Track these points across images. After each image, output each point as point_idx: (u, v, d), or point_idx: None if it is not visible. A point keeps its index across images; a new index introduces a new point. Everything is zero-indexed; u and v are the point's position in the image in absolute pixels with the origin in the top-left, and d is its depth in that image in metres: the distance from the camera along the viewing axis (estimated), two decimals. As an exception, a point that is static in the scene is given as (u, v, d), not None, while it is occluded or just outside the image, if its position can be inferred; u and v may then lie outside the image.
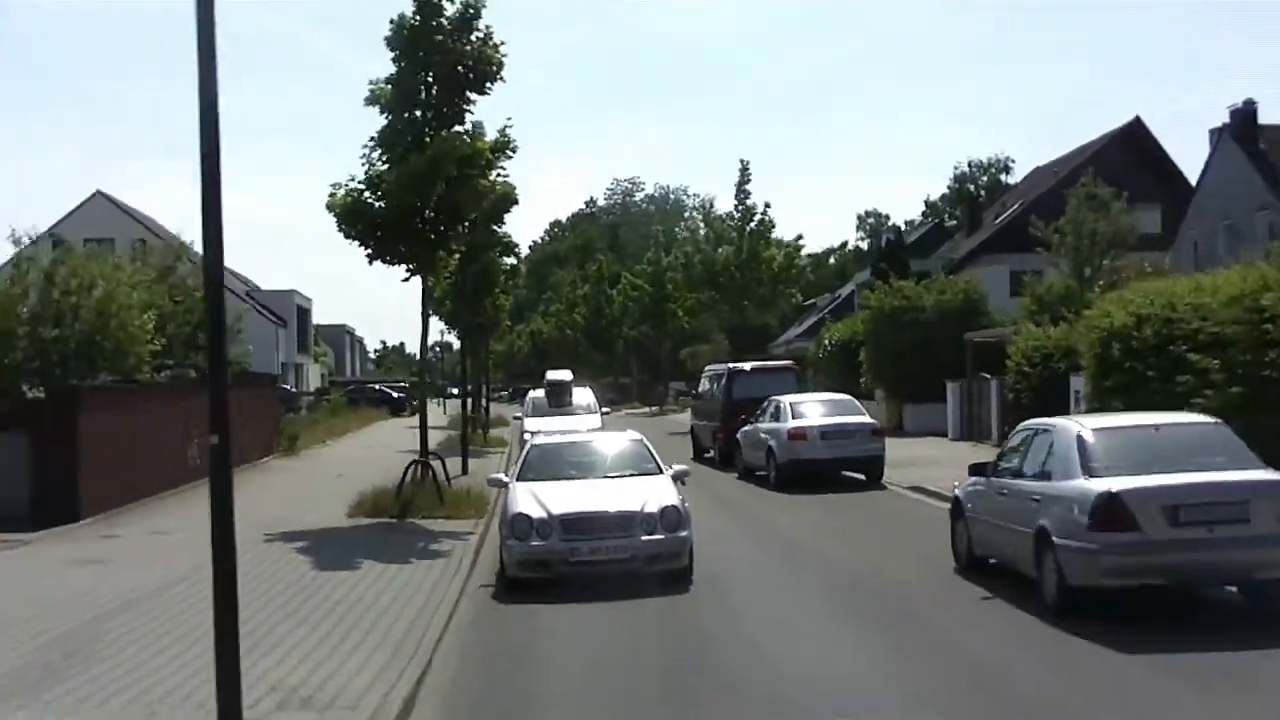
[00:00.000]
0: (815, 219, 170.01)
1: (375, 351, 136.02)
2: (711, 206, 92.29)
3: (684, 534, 13.84)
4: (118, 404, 20.97)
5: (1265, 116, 40.83)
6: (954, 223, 73.77)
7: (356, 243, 20.05)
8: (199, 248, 31.29)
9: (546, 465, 15.61)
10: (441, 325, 45.78)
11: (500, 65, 20.09)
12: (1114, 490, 10.22)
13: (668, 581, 13.16)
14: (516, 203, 27.33)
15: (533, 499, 14.14)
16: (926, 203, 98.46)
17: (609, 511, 13.87)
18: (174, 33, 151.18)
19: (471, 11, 19.98)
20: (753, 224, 45.74)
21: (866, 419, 23.71)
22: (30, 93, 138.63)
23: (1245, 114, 40.64)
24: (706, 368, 34.38)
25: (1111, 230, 29.11)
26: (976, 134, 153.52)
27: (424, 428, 20.90)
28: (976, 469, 13.23)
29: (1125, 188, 49.76)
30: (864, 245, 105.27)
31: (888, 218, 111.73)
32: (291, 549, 16.08)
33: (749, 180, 46.25)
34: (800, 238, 48.03)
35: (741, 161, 47.52)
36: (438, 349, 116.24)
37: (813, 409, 24.01)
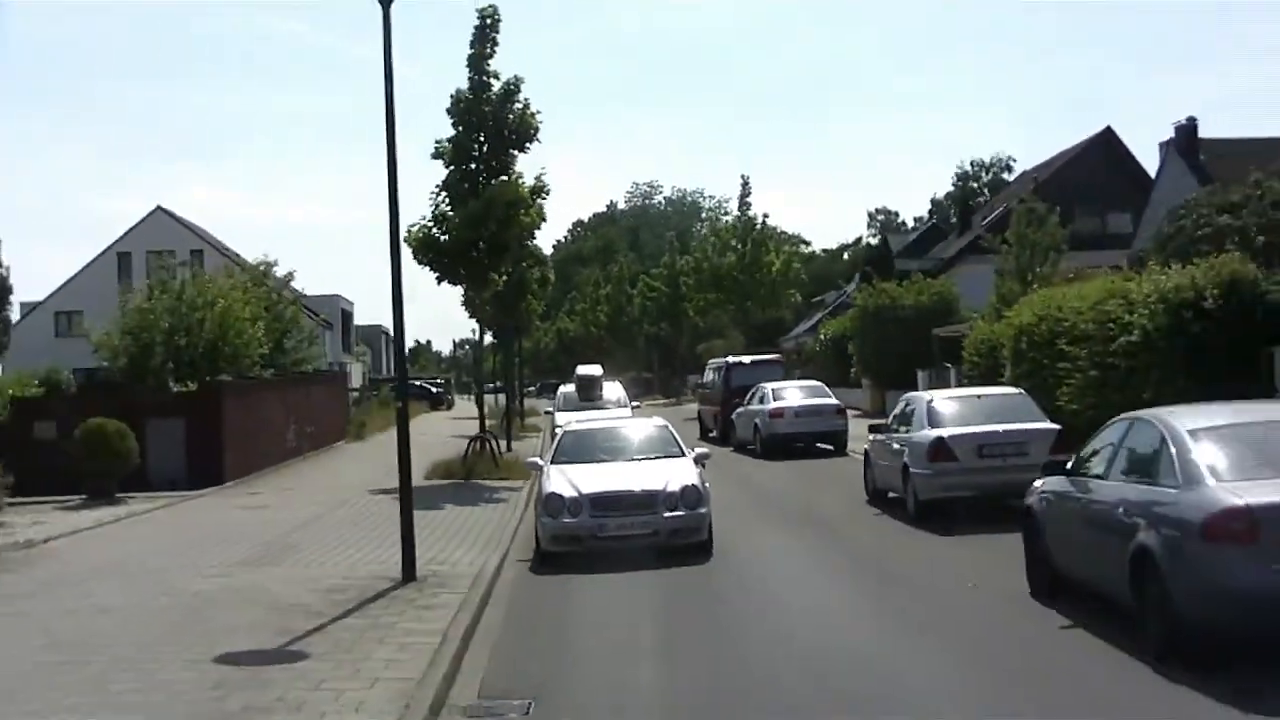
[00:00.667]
0: (830, 214, 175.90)
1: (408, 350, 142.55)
2: (725, 210, 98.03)
3: (703, 510, 15.05)
4: (244, 396, 27.18)
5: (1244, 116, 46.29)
6: (955, 221, 79.27)
7: (428, 268, 26.11)
8: (278, 268, 37.10)
9: (578, 449, 17.19)
10: (474, 326, 52.08)
11: (537, 129, 26.10)
12: (942, 435, 16.15)
13: (689, 551, 14.80)
14: (545, 220, 33.39)
15: (565, 480, 15.55)
16: (933, 201, 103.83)
17: (634, 490, 15.16)
18: (172, 33, 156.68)
19: (512, 88, 25.99)
20: (754, 233, 51.78)
21: (832, 400, 29.61)
22: (27, 94, 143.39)
23: (1188, 129, 46.18)
24: (709, 361, 40.42)
25: (1048, 240, 34.82)
26: (1002, 130, 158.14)
27: (482, 411, 26.98)
28: (875, 429, 19.18)
29: (1098, 192, 55.49)
30: (874, 241, 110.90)
31: (897, 214, 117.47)
32: (392, 498, 21.94)
33: (750, 193, 52.27)
34: (795, 244, 53.95)
35: (743, 177, 53.52)
36: (467, 347, 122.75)
37: (790, 393, 29.93)
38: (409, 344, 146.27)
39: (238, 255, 71.19)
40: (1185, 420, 9.60)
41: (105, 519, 19.76)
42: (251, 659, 9.78)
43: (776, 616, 11.59)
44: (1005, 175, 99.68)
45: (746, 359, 36.56)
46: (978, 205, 72.62)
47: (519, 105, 25.99)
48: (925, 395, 17.64)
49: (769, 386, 30.20)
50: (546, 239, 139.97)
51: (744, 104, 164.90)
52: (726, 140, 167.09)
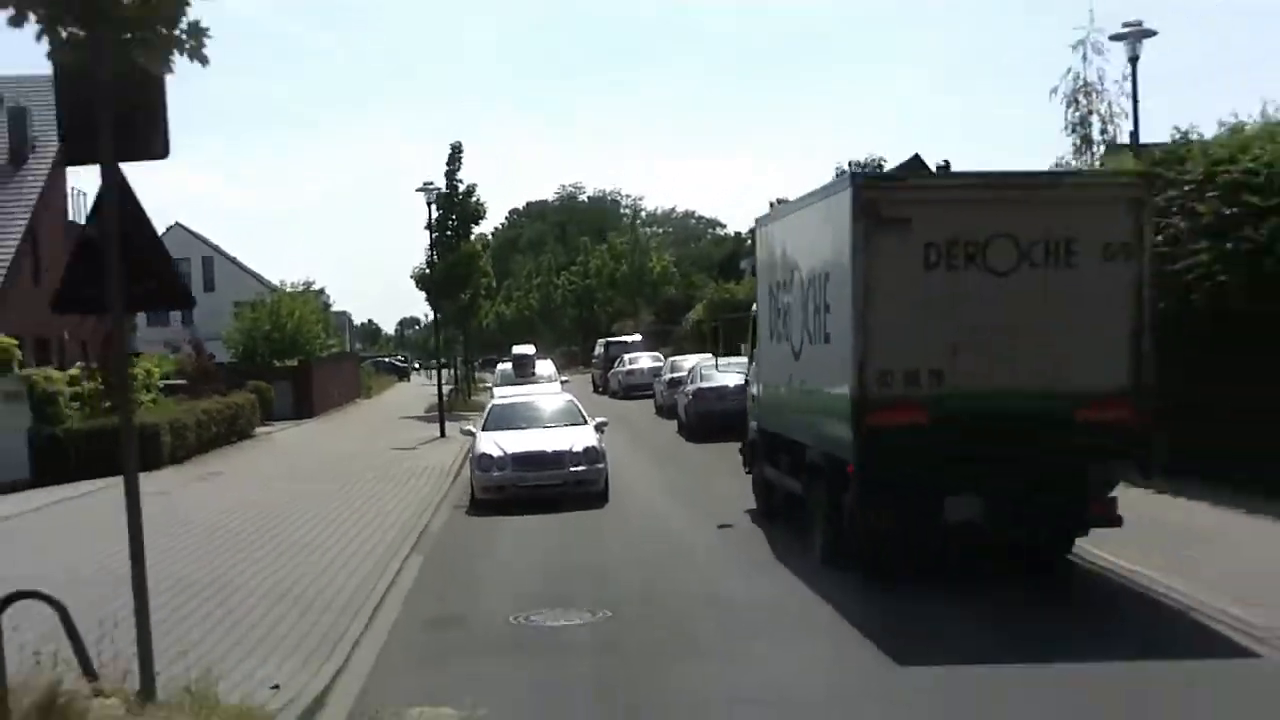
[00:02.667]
0: (751, 196, 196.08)
1: (360, 326, 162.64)
2: (639, 208, 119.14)
3: (600, 466, 19.54)
4: (319, 368, 47.95)
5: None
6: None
7: (424, 293, 46.74)
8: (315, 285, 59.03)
9: (504, 418, 22.19)
10: (426, 310, 73.16)
11: (485, 212, 47.02)
12: (674, 376, 37.40)
13: (589, 499, 19.41)
14: (490, 254, 54.25)
15: (493, 443, 19.99)
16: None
17: (548, 450, 19.59)
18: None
19: (471, 188, 46.83)
20: (639, 245, 73.23)
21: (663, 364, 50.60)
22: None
23: (947, 169, 67.66)
24: (598, 340, 61.59)
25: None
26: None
27: (455, 376, 47.81)
28: (655, 375, 40.31)
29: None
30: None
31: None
32: (411, 419, 42.79)
33: (639, 216, 73.04)
34: (669, 256, 75.39)
35: (634, 208, 74.06)
36: (417, 327, 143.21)
37: (641, 360, 50.85)
38: (363, 321, 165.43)
39: (235, 259, 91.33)
40: (700, 360, 30.86)
41: (276, 430, 40.47)
42: (402, 449, 30.73)
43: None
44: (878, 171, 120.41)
45: (621, 339, 57.71)
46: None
47: (474, 200, 46.87)
48: (674, 359, 38.85)
49: (627, 356, 51.34)
50: (488, 224, 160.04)
51: (668, 93, 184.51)
52: (652, 127, 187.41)
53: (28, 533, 19.27)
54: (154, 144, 8.09)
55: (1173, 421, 13.70)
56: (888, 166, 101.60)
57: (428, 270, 46.31)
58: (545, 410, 22.62)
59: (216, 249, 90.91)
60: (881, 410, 11.43)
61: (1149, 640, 10.32)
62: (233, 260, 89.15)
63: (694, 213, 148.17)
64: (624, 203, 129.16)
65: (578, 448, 19.68)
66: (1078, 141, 28.43)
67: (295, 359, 48.25)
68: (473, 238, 46.98)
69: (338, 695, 9.59)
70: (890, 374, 11.45)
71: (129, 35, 7.24)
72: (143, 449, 26.15)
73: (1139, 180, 12.28)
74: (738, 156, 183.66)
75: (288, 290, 55.52)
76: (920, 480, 11.58)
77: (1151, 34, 21.68)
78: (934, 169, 69.40)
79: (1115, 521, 12.02)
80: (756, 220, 16.74)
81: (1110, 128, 28.39)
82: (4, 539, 18.36)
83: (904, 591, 12.22)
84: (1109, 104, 26.69)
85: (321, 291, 56.86)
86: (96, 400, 27.88)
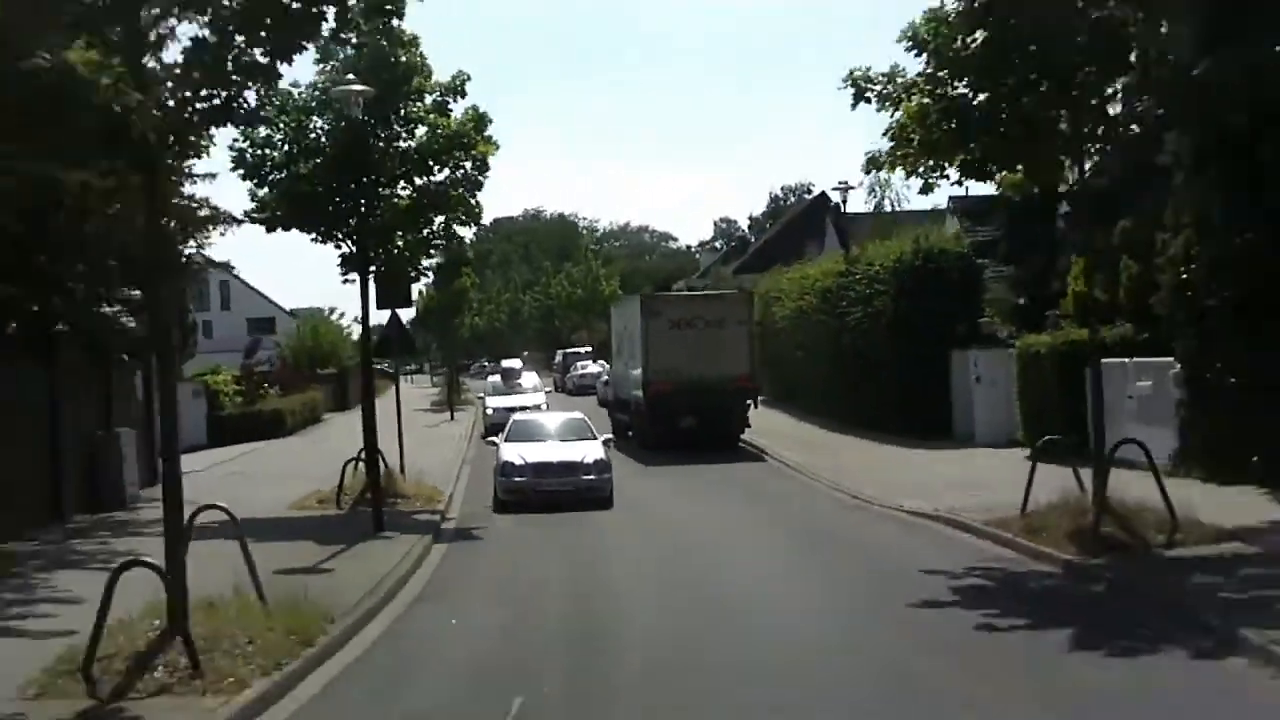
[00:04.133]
0: (700, 211, 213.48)
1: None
2: (595, 230, 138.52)
3: (607, 476, 23.53)
4: (353, 375, 67.28)
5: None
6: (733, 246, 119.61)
7: (422, 322, 65.91)
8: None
9: (524, 431, 26.38)
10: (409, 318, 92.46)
11: (470, 260, 66.44)
12: (604, 376, 56.94)
13: (598, 503, 23.48)
14: (476, 284, 73.53)
15: (515, 452, 24.23)
16: (750, 218, 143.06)
17: (563, 461, 23.80)
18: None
19: (460, 238, 66.20)
20: (592, 271, 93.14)
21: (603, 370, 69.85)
22: None
23: (838, 210, 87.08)
24: (558, 351, 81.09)
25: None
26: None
27: (450, 382, 67.23)
28: (597, 377, 59.85)
29: (818, 239, 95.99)
30: (718, 245, 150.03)
31: (736, 222, 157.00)
32: (421, 410, 61.84)
33: (594, 249, 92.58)
34: (615, 281, 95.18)
35: (594, 234, 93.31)
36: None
37: (587, 366, 70.12)
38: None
39: (246, 281, 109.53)
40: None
41: (331, 417, 59.48)
42: (430, 427, 50.09)
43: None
44: (806, 196, 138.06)
45: (576, 350, 77.23)
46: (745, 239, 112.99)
47: (462, 250, 66.18)
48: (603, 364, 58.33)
49: (579, 363, 70.81)
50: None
51: (625, 105, 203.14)
52: (607, 141, 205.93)
53: (269, 456, 38.71)
54: (408, 299, 27.50)
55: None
56: (815, 190, 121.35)
57: (432, 301, 65.46)
58: (559, 425, 27.05)
59: (232, 274, 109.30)
60: (654, 384, 31.34)
61: (746, 458, 30.60)
62: (243, 281, 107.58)
63: (648, 227, 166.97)
64: (581, 224, 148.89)
65: (589, 459, 23.97)
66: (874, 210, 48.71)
67: (333, 368, 67.51)
68: (462, 278, 66.04)
69: (456, 497, 28.56)
70: (657, 370, 31.34)
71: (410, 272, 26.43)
72: (275, 423, 45.61)
73: (747, 294, 32.71)
74: (691, 170, 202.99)
75: (321, 316, 74.91)
76: (669, 411, 31.41)
77: (852, 187, 41.27)
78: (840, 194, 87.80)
79: (748, 425, 32.04)
80: (612, 304, 37.04)
81: (897, 207, 49.81)
82: (262, 458, 37.80)
83: (661, 454, 31.86)
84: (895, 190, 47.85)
85: (343, 315, 76.14)
86: (243, 394, 47.33)
